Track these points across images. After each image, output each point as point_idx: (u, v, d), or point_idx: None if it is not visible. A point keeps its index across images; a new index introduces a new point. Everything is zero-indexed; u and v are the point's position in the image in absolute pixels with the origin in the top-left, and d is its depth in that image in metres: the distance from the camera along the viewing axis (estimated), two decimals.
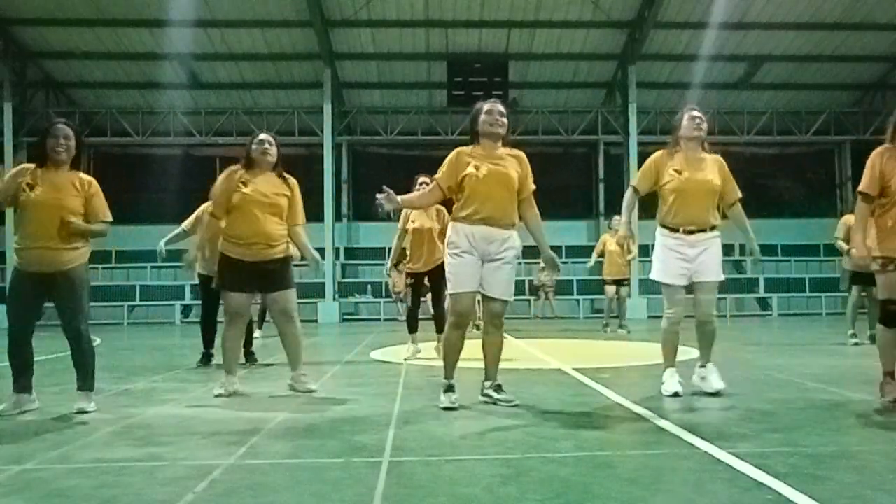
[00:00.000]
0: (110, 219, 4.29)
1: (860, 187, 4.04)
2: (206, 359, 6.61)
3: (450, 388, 4.06)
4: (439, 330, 6.63)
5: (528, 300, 18.18)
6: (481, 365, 4.27)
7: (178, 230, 6.68)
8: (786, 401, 4.14)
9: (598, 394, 4.55)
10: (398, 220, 6.96)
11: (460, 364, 4.19)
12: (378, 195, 3.98)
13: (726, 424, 3.47)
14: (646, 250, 10.97)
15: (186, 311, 17.87)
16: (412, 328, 6.91)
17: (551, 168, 18.44)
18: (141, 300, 18.41)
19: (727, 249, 22.20)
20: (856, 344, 7.87)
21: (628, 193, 4.57)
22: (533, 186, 4.15)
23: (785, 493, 2.29)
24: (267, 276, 4.57)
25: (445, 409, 3.91)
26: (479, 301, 4.27)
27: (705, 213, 4.31)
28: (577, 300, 18.78)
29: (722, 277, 4.39)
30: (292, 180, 4.78)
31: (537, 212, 4.19)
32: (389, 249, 7.05)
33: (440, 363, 6.22)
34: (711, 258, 4.32)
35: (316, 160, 18.57)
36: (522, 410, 3.89)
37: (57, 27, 16.99)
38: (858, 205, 4.04)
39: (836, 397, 4.28)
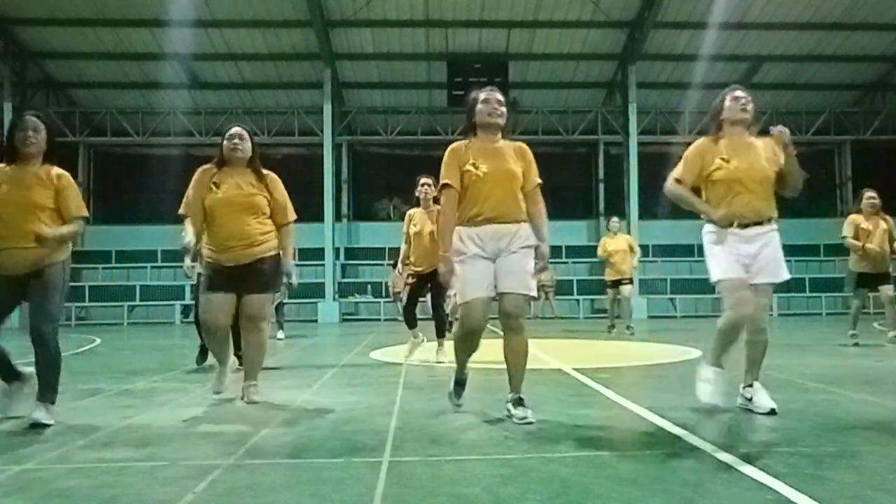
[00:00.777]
0: (84, 214, 3.97)
1: None
2: (205, 353, 6.41)
3: (460, 384, 3.94)
4: (440, 334, 6.60)
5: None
6: (486, 366, 4.24)
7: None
8: (786, 401, 4.13)
9: (598, 394, 4.55)
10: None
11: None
12: (444, 273, 3.67)
13: (726, 424, 3.47)
14: (645, 251, 11.01)
15: (186, 311, 17.85)
16: (411, 324, 6.76)
17: (551, 168, 18.39)
18: (141, 300, 18.41)
19: None
20: (856, 344, 7.82)
21: (674, 186, 3.96)
22: (538, 180, 3.80)
23: (785, 493, 2.29)
24: (244, 276, 4.25)
25: (454, 406, 3.90)
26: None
27: (760, 203, 3.79)
28: (577, 300, 18.78)
29: (787, 276, 3.86)
30: (271, 176, 4.43)
31: (542, 206, 3.81)
32: (389, 250, 6.99)
33: (438, 360, 6.30)
34: (772, 255, 3.81)
35: (316, 160, 18.58)
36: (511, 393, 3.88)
37: (57, 27, 17.00)
38: None
39: (836, 397, 4.28)
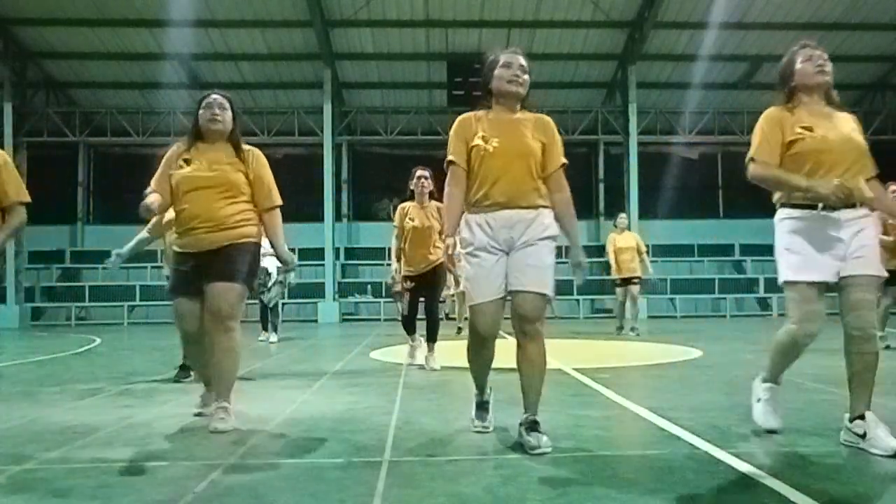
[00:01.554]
0: (26, 199, 3.43)
1: None
2: (186, 370, 5.49)
3: (483, 406, 3.40)
4: (431, 339, 6.16)
5: None
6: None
7: (142, 235, 5.56)
8: (786, 401, 4.13)
9: (598, 394, 4.55)
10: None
11: (458, 363, 3.96)
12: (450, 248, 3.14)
13: (726, 424, 3.47)
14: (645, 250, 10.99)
15: None
16: (410, 331, 6.44)
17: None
18: (141, 300, 18.42)
19: (725, 249, 22.20)
20: (887, 347, 7.03)
21: (756, 168, 3.12)
22: (563, 159, 3.20)
23: (785, 493, 2.29)
24: (208, 264, 3.53)
25: (478, 431, 3.30)
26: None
27: (854, 181, 2.97)
28: (577, 300, 18.78)
29: (885, 274, 3.09)
30: (254, 153, 3.74)
31: (568, 194, 3.23)
32: (389, 250, 6.52)
33: (430, 368, 6.04)
34: (870, 242, 3.00)
35: (316, 160, 18.59)
36: (523, 410, 3.87)
37: (57, 27, 17.01)
38: None
39: (836, 397, 4.27)
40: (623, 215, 11.17)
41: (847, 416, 3.01)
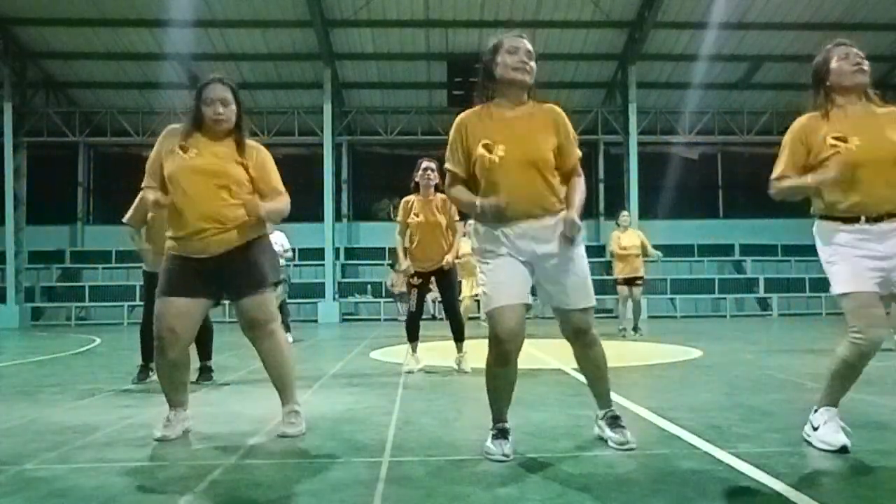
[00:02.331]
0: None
1: None
2: (145, 373, 5.34)
3: (502, 433, 2.87)
4: (458, 338, 5.85)
5: None
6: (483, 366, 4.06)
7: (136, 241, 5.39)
8: (786, 401, 4.14)
9: None
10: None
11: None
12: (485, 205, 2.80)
13: (726, 424, 3.47)
14: (646, 251, 10.94)
15: None
16: (413, 335, 5.95)
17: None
18: (141, 300, 18.39)
19: (725, 249, 22.19)
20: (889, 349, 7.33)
21: (775, 185, 2.98)
22: (578, 153, 2.93)
23: (785, 493, 2.29)
24: (225, 274, 3.28)
25: (496, 461, 2.77)
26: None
27: (893, 189, 2.84)
28: None
29: None
30: (258, 150, 3.46)
31: (582, 179, 2.96)
32: (389, 250, 6.33)
33: (440, 367, 6.16)
34: None
35: (316, 160, 18.59)
36: (523, 410, 3.86)
37: (57, 27, 17.01)
38: None
39: None
40: (625, 213, 10.94)
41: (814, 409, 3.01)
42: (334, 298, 18.21)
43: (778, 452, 2.86)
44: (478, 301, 4.67)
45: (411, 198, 5.87)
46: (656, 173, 19.84)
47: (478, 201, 2.81)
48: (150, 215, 5.15)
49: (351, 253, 20.33)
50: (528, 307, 2.84)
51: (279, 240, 9.78)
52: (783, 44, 17.86)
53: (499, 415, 2.94)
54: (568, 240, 2.83)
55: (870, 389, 4.43)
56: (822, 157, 2.87)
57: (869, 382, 4.80)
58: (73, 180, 20.42)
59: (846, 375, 2.90)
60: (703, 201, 20.97)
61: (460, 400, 4.42)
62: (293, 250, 10.25)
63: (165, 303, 3.26)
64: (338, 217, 19.22)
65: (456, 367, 5.81)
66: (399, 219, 5.93)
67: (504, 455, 2.77)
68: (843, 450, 2.77)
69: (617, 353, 7.74)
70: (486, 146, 2.81)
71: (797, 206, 3.45)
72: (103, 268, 19.27)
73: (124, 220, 5.33)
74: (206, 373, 5.45)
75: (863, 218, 2.83)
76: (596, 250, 18.31)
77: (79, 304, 18.67)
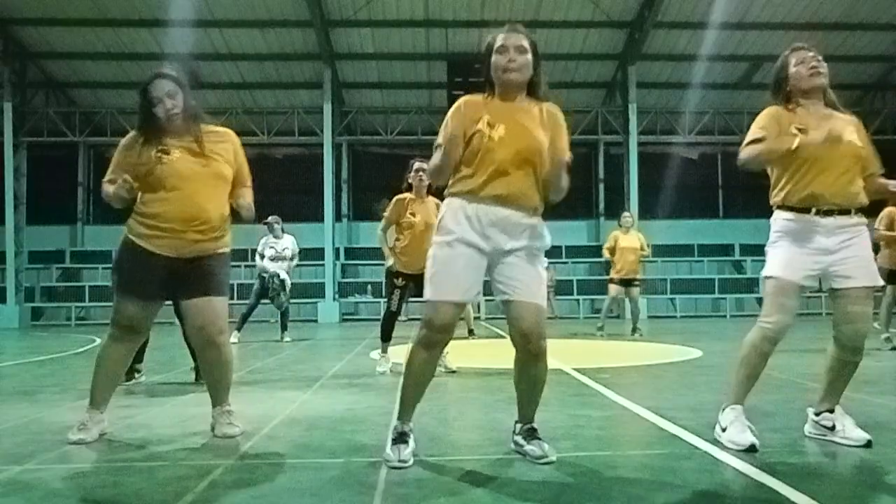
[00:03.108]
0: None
1: None
2: (131, 374, 5.27)
3: (401, 437, 2.79)
4: None
5: None
6: (484, 366, 4.11)
7: None
8: (786, 401, 4.13)
9: (598, 394, 4.55)
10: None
11: (462, 362, 3.91)
12: None
13: None
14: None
15: None
16: (387, 335, 5.82)
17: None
18: None
19: (725, 249, 22.29)
20: (893, 349, 7.26)
21: (748, 149, 3.04)
22: (569, 154, 2.84)
23: (785, 493, 2.29)
24: (188, 274, 3.22)
25: (393, 467, 2.67)
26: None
27: (848, 186, 2.98)
28: (578, 300, 18.80)
29: (880, 282, 3.10)
30: (229, 136, 3.37)
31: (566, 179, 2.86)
32: (384, 242, 5.98)
33: (449, 371, 5.86)
34: (861, 253, 3.00)
35: (316, 160, 18.60)
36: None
37: (57, 27, 17.02)
38: None
39: None
40: (627, 214, 10.79)
41: (811, 409, 3.12)
42: (334, 298, 18.22)
43: (778, 452, 2.86)
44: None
45: (406, 196, 5.74)
46: (656, 173, 19.85)
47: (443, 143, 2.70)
48: None
49: (351, 253, 20.33)
50: (463, 305, 2.80)
51: (289, 244, 9.87)
52: (783, 44, 17.48)
53: (405, 413, 2.86)
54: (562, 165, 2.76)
55: (870, 389, 4.43)
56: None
57: (869, 382, 4.80)
58: (73, 180, 20.43)
59: (754, 364, 3.05)
60: (702, 201, 20.98)
61: (460, 400, 4.42)
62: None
63: (125, 300, 3.27)
64: (338, 217, 19.23)
65: (443, 369, 5.57)
66: (387, 215, 5.75)
67: (401, 462, 2.69)
68: (751, 448, 2.82)
69: (617, 352, 7.75)
70: (488, 123, 2.74)
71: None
72: (103, 268, 19.25)
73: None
74: (131, 375, 5.30)
75: (814, 210, 2.95)
76: (596, 250, 18.30)
77: (79, 304, 18.67)
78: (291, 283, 9.99)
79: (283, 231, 9.96)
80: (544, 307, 2.81)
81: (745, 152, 3.03)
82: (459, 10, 16.74)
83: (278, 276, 9.66)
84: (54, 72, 18.70)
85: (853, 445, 2.92)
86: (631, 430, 3.49)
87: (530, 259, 2.76)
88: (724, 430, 2.98)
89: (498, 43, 2.81)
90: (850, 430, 2.98)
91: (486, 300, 14.49)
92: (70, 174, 20.37)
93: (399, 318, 5.96)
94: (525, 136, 2.75)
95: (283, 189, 18.55)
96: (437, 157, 2.80)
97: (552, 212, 2.92)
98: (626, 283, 10.14)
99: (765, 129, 3.01)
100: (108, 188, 3.17)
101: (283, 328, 10.22)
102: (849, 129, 3.06)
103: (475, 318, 10.83)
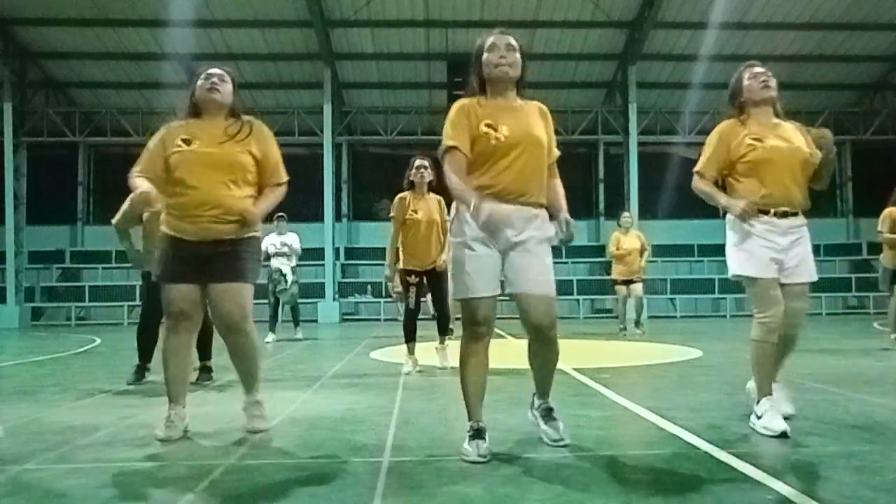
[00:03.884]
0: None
1: None
2: (141, 373, 5.38)
3: (477, 434, 2.86)
4: (443, 331, 6.09)
5: None
6: None
7: (126, 245, 5.50)
8: (789, 400, 4.13)
9: (598, 394, 4.55)
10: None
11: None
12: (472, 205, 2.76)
13: (726, 424, 3.47)
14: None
15: None
16: (410, 336, 5.91)
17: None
18: (141, 300, 18.40)
19: (725, 249, 22.30)
20: None
21: (699, 182, 3.52)
22: (557, 152, 3.13)
23: (785, 493, 2.29)
24: (215, 258, 3.28)
25: (472, 462, 2.75)
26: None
27: (799, 190, 3.36)
28: (578, 300, 18.79)
29: (816, 278, 3.44)
30: (258, 127, 3.52)
31: (559, 181, 3.14)
32: (389, 246, 6.11)
33: (441, 364, 6.14)
34: (806, 252, 3.37)
35: (316, 160, 18.59)
36: (522, 410, 3.86)
37: (57, 27, 17.01)
38: None
39: (836, 397, 4.28)
40: (627, 214, 10.90)
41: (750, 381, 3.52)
42: (334, 298, 18.21)
43: (778, 452, 2.86)
44: None
45: (406, 194, 5.82)
46: (656, 173, 19.83)
47: (474, 201, 2.74)
48: (145, 215, 5.18)
49: (351, 253, 20.33)
50: (498, 298, 2.94)
51: (292, 241, 10.10)
52: (783, 44, 17.86)
53: (474, 412, 2.96)
54: (564, 241, 2.99)
55: (870, 389, 4.43)
56: (740, 155, 3.38)
57: (869, 382, 4.81)
58: (73, 180, 20.42)
59: (768, 356, 3.34)
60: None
61: (460, 400, 4.41)
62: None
63: (171, 289, 3.33)
64: (338, 217, 19.22)
65: (438, 358, 6.01)
66: (394, 215, 5.83)
67: (480, 456, 2.77)
68: (783, 435, 3.07)
69: (617, 352, 7.75)
70: (489, 126, 2.89)
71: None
72: (103, 268, 19.26)
73: (113, 222, 5.36)
74: (206, 373, 5.43)
75: (772, 211, 3.31)
76: (596, 250, 18.34)
77: (79, 304, 18.67)
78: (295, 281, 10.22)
79: (286, 229, 10.19)
80: (552, 296, 2.95)
81: (701, 186, 3.51)
82: (459, 10, 16.73)
83: (280, 270, 9.95)
84: (54, 72, 18.69)
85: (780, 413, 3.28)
86: (631, 430, 3.49)
87: (537, 250, 2.91)
88: (759, 417, 3.23)
89: (489, 42, 2.99)
90: (779, 404, 3.36)
91: None
92: (70, 174, 20.36)
93: (419, 316, 6.04)
94: (528, 130, 2.93)
95: None
96: (452, 158, 2.89)
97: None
98: (629, 282, 10.30)
99: (712, 158, 3.46)
100: (142, 185, 3.27)
101: (296, 323, 10.55)
102: (796, 136, 3.43)
103: (457, 319, 10.81)
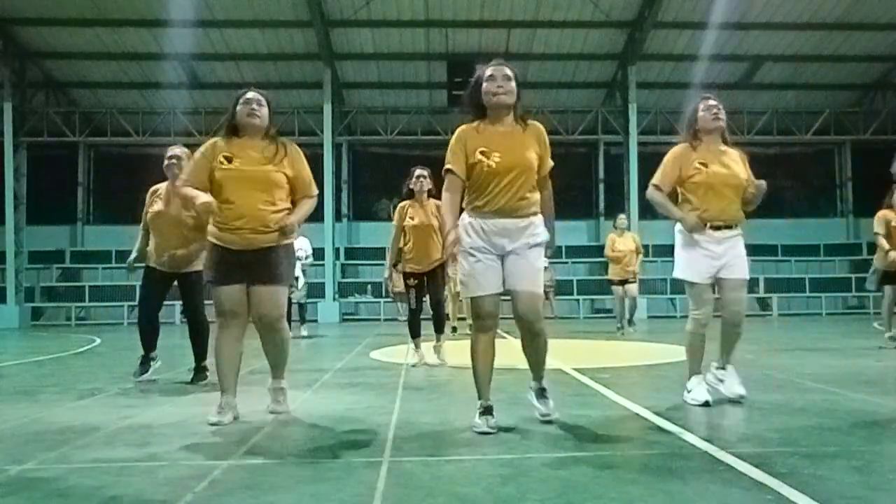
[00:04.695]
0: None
1: None
2: (147, 365, 5.51)
3: (487, 411, 3.35)
4: (439, 330, 6.43)
5: None
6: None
7: (141, 237, 5.76)
8: (786, 401, 4.14)
9: (598, 394, 4.55)
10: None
11: (458, 362, 4.08)
12: (450, 244, 3.36)
13: (726, 424, 3.47)
14: (646, 250, 10.97)
15: (185, 310, 17.88)
16: (415, 333, 6.47)
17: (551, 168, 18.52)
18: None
19: None
20: None
21: (653, 192, 4.18)
22: (551, 163, 3.56)
23: (785, 493, 2.29)
24: (255, 263, 3.69)
25: (482, 433, 3.23)
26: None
27: (733, 208, 4.07)
28: (578, 300, 18.79)
29: (748, 276, 4.13)
30: (292, 148, 3.93)
31: (550, 192, 3.62)
32: (389, 250, 6.56)
33: (441, 364, 6.25)
34: (739, 254, 4.07)
35: (316, 160, 18.54)
36: (522, 410, 3.86)
37: (57, 27, 17.01)
38: None
39: (836, 397, 4.28)
40: (622, 216, 11.09)
41: (714, 363, 4.22)
42: (334, 298, 18.21)
43: (778, 452, 2.86)
44: None
45: (406, 203, 6.32)
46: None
47: (452, 235, 3.34)
48: (149, 215, 5.61)
49: (351, 253, 20.34)
50: (500, 297, 3.44)
51: (303, 245, 10.40)
52: (783, 44, 17.87)
53: (484, 392, 3.44)
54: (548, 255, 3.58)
55: (870, 389, 4.43)
56: (689, 175, 4.04)
57: (869, 382, 4.81)
58: (73, 180, 20.42)
59: (698, 346, 4.10)
60: None
61: (460, 400, 4.42)
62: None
63: (221, 290, 3.73)
64: (338, 217, 19.22)
65: (435, 355, 6.30)
66: (395, 223, 6.36)
67: (490, 427, 3.25)
68: (705, 404, 3.88)
69: (617, 352, 7.75)
70: (483, 153, 3.34)
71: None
72: (103, 268, 19.26)
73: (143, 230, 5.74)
74: (201, 373, 5.37)
75: (708, 225, 4.00)
76: (595, 250, 18.30)
77: (79, 304, 18.67)
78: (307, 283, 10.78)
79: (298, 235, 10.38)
80: (539, 293, 3.45)
81: (657, 197, 4.16)
82: (459, 10, 16.72)
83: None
84: (54, 72, 18.69)
85: (730, 399, 4.03)
86: (631, 430, 3.49)
87: (528, 254, 3.39)
88: (689, 391, 4.04)
89: (487, 73, 3.42)
90: (731, 386, 4.08)
91: None
92: (70, 174, 20.36)
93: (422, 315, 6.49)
94: (518, 157, 3.36)
95: None
96: (449, 180, 3.44)
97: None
98: (624, 281, 10.51)
99: (667, 175, 4.12)
100: (189, 192, 3.69)
101: (302, 321, 10.96)
102: (736, 163, 4.07)
103: (460, 319, 10.88)
